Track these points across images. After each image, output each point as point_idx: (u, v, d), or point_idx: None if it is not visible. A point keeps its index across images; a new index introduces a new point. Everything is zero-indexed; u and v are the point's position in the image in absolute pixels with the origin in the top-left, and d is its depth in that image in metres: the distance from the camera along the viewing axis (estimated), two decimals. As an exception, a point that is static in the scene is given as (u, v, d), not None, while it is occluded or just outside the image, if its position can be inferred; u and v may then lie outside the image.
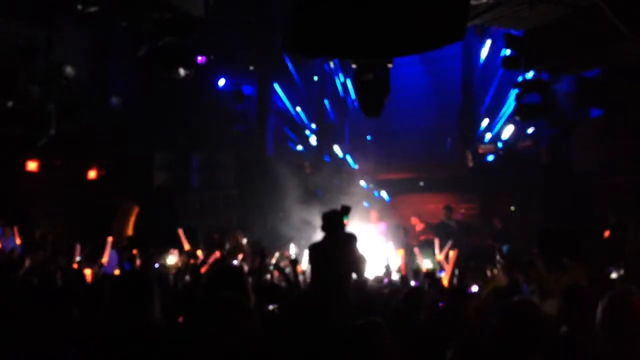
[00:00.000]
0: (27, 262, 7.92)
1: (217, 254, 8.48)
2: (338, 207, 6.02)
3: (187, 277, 7.35)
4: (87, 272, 7.50)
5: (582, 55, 9.20)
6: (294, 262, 6.36)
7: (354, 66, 7.92)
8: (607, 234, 8.74)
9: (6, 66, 9.74)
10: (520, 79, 10.82)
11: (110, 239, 8.55)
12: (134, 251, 9.16)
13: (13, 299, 4.73)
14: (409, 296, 5.05)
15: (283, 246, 10.13)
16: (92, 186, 12.42)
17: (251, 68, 14.30)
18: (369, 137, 15.10)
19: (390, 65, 7.84)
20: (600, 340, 2.89)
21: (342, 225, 5.77)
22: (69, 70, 10.30)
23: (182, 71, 8.60)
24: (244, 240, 11.10)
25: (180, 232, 9.17)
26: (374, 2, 5.87)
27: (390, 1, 5.75)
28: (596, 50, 8.88)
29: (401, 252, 9.10)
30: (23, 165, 11.52)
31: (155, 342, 3.14)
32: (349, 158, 14.93)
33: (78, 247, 7.81)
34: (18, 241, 9.45)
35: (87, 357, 3.19)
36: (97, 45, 12.27)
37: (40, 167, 11.71)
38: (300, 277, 8.35)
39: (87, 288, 6.42)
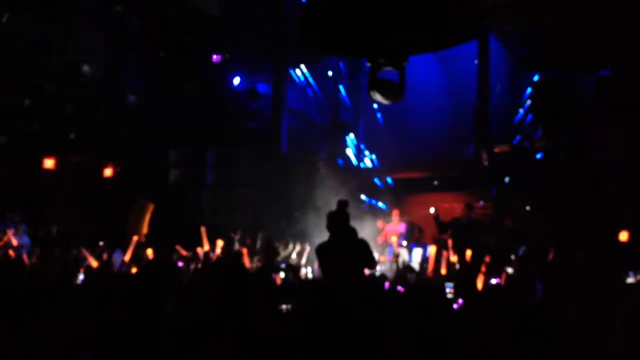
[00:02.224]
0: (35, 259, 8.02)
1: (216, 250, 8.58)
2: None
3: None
4: (94, 263, 7.57)
5: (599, 53, 9.11)
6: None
7: (368, 64, 7.88)
8: (625, 236, 8.61)
9: (23, 64, 9.87)
10: (536, 78, 10.74)
11: (135, 238, 8.64)
12: (148, 249, 9.26)
13: (25, 297, 4.77)
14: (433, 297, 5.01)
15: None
16: (109, 183, 12.50)
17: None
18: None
19: (404, 64, 7.77)
20: (618, 341, 2.86)
21: (346, 223, 5.67)
22: (85, 68, 10.40)
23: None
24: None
25: (203, 230, 9.22)
26: (389, -1, 5.83)
27: (404, -1, 5.72)
28: (613, 48, 8.79)
29: (433, 249, 8.89)
30: (40, 163, 11.62)
31: (166, 337, 3.16)
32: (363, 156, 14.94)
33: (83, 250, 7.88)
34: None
35: (101, 353, 3.20)
36: (114, 43, 12.35)
37: (57, 164, 11.80)
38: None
39: (105, 284, 6.45)
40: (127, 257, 8.22)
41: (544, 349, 3.24)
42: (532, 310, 4.38)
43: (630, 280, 5.81)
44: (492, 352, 3.56)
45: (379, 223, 11.71)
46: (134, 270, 7.80)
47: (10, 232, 9.75)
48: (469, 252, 8.17)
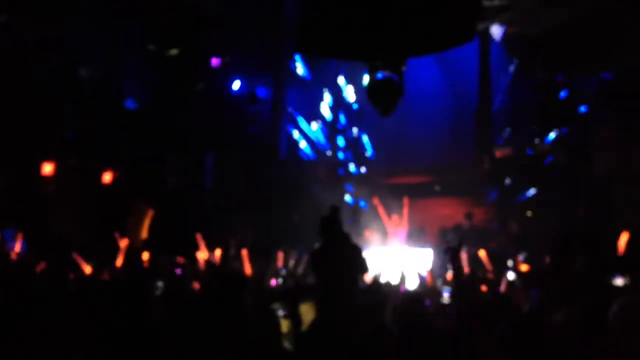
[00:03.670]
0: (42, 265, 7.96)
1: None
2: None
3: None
4: (88, 270, 7.52)
5: (599, 56, 9.07)
6: None
7: (367, 68, 7.84)
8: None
9: (21, 67, 9.85)
10: (538, 80, 10.69)
11: (125, 241, 8.56)
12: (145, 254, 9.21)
13: (26, 302, 4.75)
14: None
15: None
16: (107, 188, 12.46)
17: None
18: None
19: (404, 67, 7.74)
20: (613, 346, 2.81)
21: (339, 228, 5.72)
22: (83, 71, 10.38)
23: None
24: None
25: (199, 237, 9.19)
26: (385, 3, 5.80)
27: (401, 2, 5.69)
28: (612, 52, 8.75)
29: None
30: (38, 167, 11.59)
31: (153, 343, 3.15)
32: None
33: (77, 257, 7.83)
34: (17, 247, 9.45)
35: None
36: (112, 46, 12.32)
37: (56, 169, 11.77)
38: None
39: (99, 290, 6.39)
40: (119, 262, 8.16)
41: (540, 353, 3.17)
42: (529, 315, 4.31)
43: (618, 282, 5.70)
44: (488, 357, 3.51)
45: (367, 232, 11.57)
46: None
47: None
48: (482, 253, 8.13)
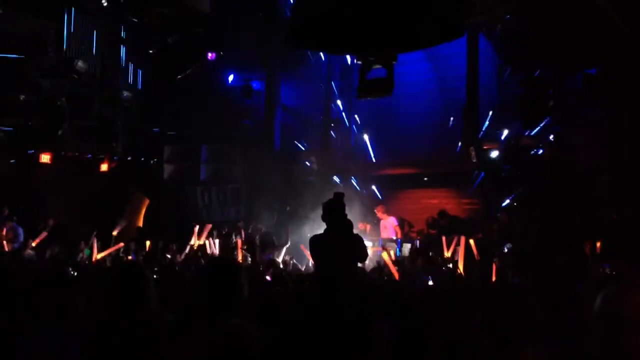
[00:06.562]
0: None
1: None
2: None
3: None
4: (98, 256, 7.71)
5: (585, 52, 9.27)
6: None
7: (358, 62, 8.02)
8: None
9: (18, 59, 10.01)
10: (524, 76, 10.88)
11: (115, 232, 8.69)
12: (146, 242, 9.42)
13: (23, 286, 4.84)
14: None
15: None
16: (104, 178, 12.63)
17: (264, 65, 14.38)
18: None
19: (394, 62, 7.91)
20: (596, 338, 2.83)
21: (343, 214, 5.58)
22: (80, 64, 10.52)
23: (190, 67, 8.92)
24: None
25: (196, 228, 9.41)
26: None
27: (391, -1, 5.88)
28: (598, 48, 8.96)
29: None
30: (36, 157, 11.74)
31: (151, 333, 3.20)
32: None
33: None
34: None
35: (89, 348, 3.25)
36: (109, 39, 12.45)
37: (53, 159, 11.93)
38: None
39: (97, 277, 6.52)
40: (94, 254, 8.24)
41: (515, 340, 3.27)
42: (507, 302, 4.43)
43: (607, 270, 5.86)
44: (468, 342, 3.62)
45: (361, 225, 11.72)
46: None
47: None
48: (471, 242, 8.33)
